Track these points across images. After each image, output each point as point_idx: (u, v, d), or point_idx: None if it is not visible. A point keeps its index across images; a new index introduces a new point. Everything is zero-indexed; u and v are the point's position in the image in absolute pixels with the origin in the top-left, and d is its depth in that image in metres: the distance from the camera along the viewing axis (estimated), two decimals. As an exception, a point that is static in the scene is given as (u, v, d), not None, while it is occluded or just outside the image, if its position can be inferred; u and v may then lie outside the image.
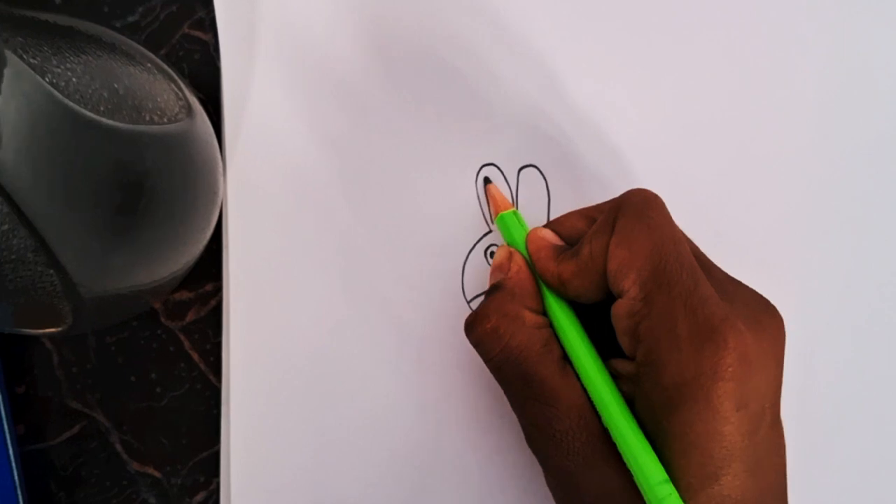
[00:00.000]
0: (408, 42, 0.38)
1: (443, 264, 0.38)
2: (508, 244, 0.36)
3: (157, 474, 0.38)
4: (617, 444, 0.30)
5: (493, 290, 0.34)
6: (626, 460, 0.29)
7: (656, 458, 0.29)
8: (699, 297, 0.29)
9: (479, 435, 0.38)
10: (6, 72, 0.21)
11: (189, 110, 0.32)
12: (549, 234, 0.34)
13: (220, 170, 0.35)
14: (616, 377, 0.32)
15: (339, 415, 0.38)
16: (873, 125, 0.40)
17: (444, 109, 0.38)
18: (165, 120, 0.30)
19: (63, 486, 0.38)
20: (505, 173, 0.38)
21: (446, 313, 0.38)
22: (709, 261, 0.33)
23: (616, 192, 0.38)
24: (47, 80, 0.25)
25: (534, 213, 0.38)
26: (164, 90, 0.31)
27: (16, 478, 0.37)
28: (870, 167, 0.40)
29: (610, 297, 0.32)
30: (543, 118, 0.39)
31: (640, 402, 0.30)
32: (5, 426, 0.37)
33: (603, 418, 0.31)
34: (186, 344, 0.39)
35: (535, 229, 0.35)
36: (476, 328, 0.33)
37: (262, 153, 0.38)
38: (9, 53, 0.22)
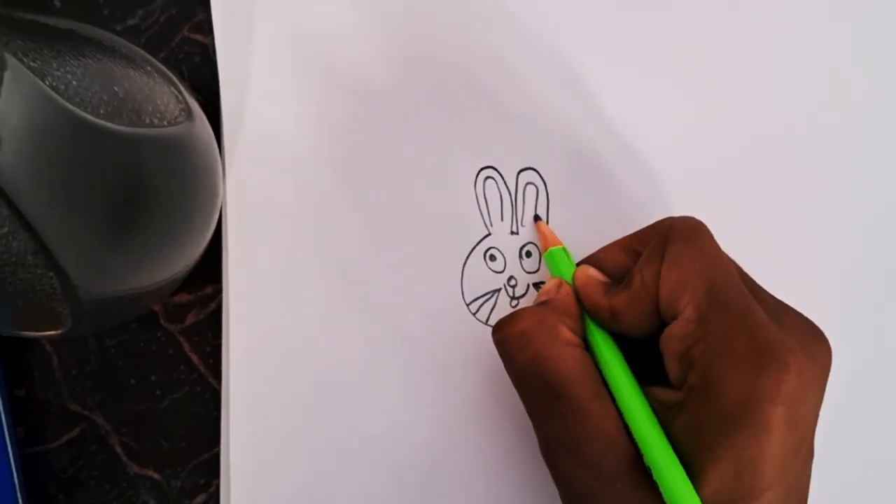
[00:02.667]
0: (407, 45, 0.38)
1: (442, 267, 0.38)
2: (554, 275, 0.36)
3: (156, 476, 0.39)
4: (652, 467, 0.29)
5: (536, 305, 0.34)
6: (661, 484, 0.29)
7: (692, 487, 0.29)
8: (754, 319, 0.29)
9: (478, 434, 0.38)
10: (6, 75, 0.21)
11: (189, 113, 0.32)
12: (595, 272, 0.35)
13: (220, 172, 0.35)
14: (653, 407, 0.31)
15: (339, 417, 0.38)
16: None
17: (443, 112, 0.38)
18: (165, 123, 0.30)
19: (63, 489, 0.38)
20: (504, 176, 0.38)
21: (445, 316, 0.38)
22: (757, 285, 0.32)
23: (615, 193, 0.38)
24: (47, 83, 0.25)
25: (533, 217, 0.38)
26: (163, 93, 0.31)
27: (16, 480, 0.37)
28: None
29: (654, 333, 0.32)
30: (543, 121, 0.39)
31: (683, 429, 0.30)
32: (5, 429, 0.37)
33: (639, 443, 0.30)
34: (186, 346, 0.39)
35: (582, 267, 0.35)
36: (505, 327, 0.33)
37: (261, 155, 0.38)
38: (9, 57, 0.22)
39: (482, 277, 0.38)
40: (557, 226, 0.38)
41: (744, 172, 0.40)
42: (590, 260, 0.36)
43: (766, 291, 0.32)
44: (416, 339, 0.38)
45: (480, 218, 0.38)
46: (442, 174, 0.38)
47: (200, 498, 0.39)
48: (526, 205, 0.38)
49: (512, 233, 0.38)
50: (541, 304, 0.34)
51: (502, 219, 0.38)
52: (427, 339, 0.38)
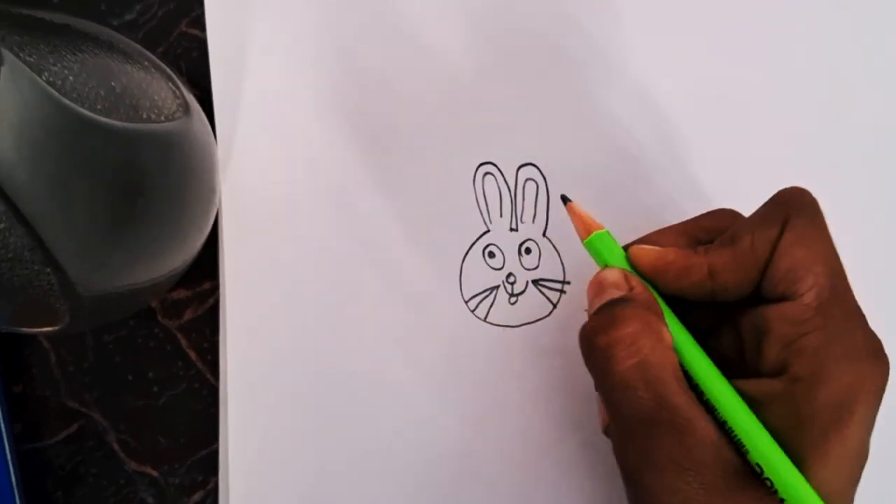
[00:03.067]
0: (404, 41, 0.38)
1: (440, 263, 0.38)
2: (600, 264, 0.33)
3: (154, 473, 0.38)
4: (764, 465, 0.29)
5: (620, 303, 0.30)
6: (777, 482, 0.28)
7: (807, 482, 0.28)
8: (863, 315, 0.29)
9: (474, 430, 0.38)
10: (2, 70, 0.21)
11: (186, 108, 0.32)
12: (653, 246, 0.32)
13: (218, 167, 0.35)
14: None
15: (337, 413, 0.38)
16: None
17: (442, 107, 0.38)
18: (163, 118, 0.30)
19: (60, 485, 0.38)
20: (503, 171, 0.38)
21: (443, 312, 0.38)
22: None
23: (616, 189, 0.38)
24: (44, 78, 0.25)
25: (533, 211, 0.38)
26: (161, 88, 0.31)
27: (13, 477, 0.37)
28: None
29: (745, 297, 0.31)
30: (542, 116, 0.39)
31: (782, 421, 0.29)
32: (2, 425, 0.37)
33: (745, 442, 0.29)
34: (184, 342, 0.39)
35: (637, 246, 0.32)
36: (609, 331, 0.30)
37: (257, 150, 0.38)
38: (5, 52, 0.22)
39: (481, 274, 0.38)
40: (558, 223, 0.38)
41: (746, 170, 0.40)
42: (641, 243, 0.33)
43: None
44: (415, 336, 0.38)
45: (479, 214, 0.38)
46: (440, 170, 0.38)
47: (198, 495, 0.39)
48: (525, 201, 0.38)
49: (511, 229, 0.38)
50: (630, 303, 0.30)
51: (501, 215, 0.38)
52: (425, 335, 0.38)
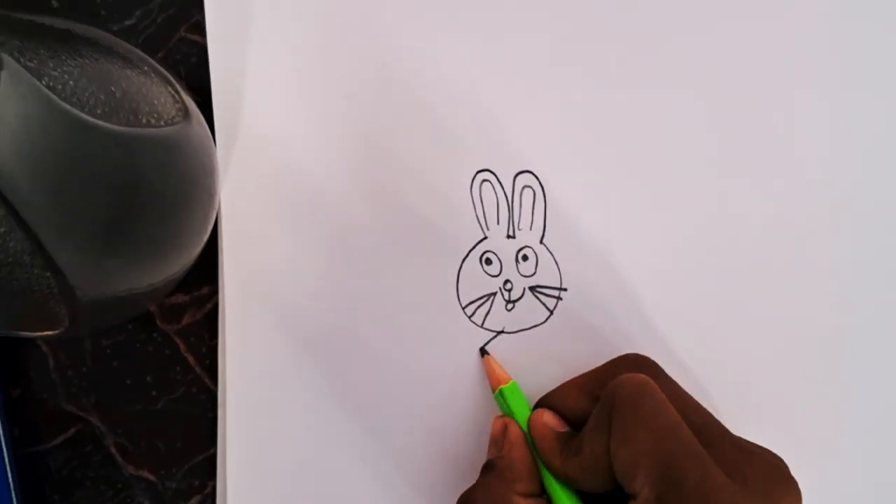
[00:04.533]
0: (404, 45, 0.38)
1: (438, 270, 0.38)
2: (506, 414, 0.36)
3: (152, 478, 0.38)
4: None
5: (486, 470, 0.34)
6: None
7: None
8: (711, 485, 0.29)
9: (472, 438, 0.38)
10: (2, 75, 0.21)
11: (186, 113, 0.32)
12: (551, 419, 0.35)
13: (217, 172, 0.35)
14: None
15: (335, 418, 0.38)
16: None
17: (440, 114, 0.38)
18: (162, 123, 0.30)
19: (58, 490, 0.38)
20: (500, 179, 0.38)
21: (441, 319, 0.38)
22: (717, 430, 0.32)
23: (613, 197, 0.38)
24: (44, 83, 0.25)
25: (530, 218, 0.38)
26: (160, 93, 0.31)
27: (11, 481, 0.37)
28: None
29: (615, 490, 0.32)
30: (540, 124, 0.39)
31: None
32: (0, 429, 0.37)
33: None
34: (182, 347, 0.39)
35: (538, 413, 0.35)
36: None
37: (256, 156, 0.38)
38: (6, 57, 0.22)
39: (478, 281, 0.38)
40: (555, 230, 0.38)
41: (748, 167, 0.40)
42: (547, 401, 0.36)
43: (728, 438, 0.32)
44: (412, 342, 0.38)
45: (476, 221, 0.38)
46: (438, 177, 0.38)
47: (196, 499, 0.39)
48: (523, 208, 0.38)
49: (508, 236, 0.38)
50: (490, 474, 0.34)
51: (498, 222, 0.38)
52: (423, 341, 0.38)
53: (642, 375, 0.32)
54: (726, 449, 0.31)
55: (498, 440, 0.35)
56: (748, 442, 0.32)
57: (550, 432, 0.34)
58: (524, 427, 0.35)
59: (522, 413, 0.36)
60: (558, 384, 0.37)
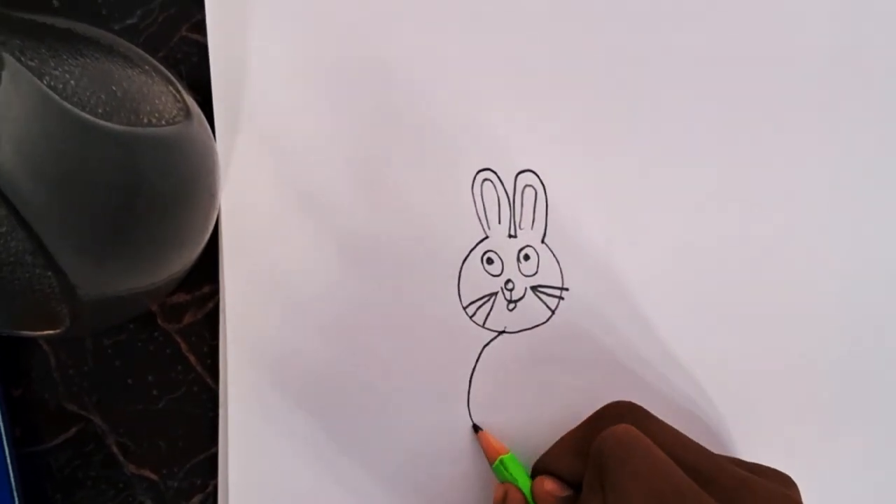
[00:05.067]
0: (404, 45, 0.38)
1: (439, 270, 0.38)
2: (504, 481, 0.37)
3: (153, 477, 0.38)
4: None
5: None
6: None
7: None
8: None
9: (471, 436, 0.38)
10: (4, 74, 0.21)
11: (187, 113, 0.32)
12: (552, 486, 0.35)
13: (218, 172, 0.35)
14: None
15: (336, 417, 0.38)
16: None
17: (441, 113, 0.38)
18: (163, 122, 0.30)
19: (59, 489, 0.38)
20: (502, 178, 0.38)
21: (442, 318, 0.38)
22: (713, 465, 0.32)
23: (615, 195, 0.38)
24: (45, 82, 0.25)
25: (532, 217, 0.38)
26: (162, 93, 0.31)
27: (12, 480, 0.37)
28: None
29: None
30: (541, 123, 0.39)
31: None
32: (2, 429, 0.37)
33: None
34: (183, 346, 0.39)
35: (539, 481, 0.36)
36: None
37: (257, 155, 0.38)
38: (7, 56, 0.22)
39: (479, 280, 0.38)
40: (556, 230, 0.38)
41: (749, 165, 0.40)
42: (543, 466, 0.36)
43: (725, 472, 0.32)
44: (413, 341, 0.38)
45: (478, 221, 0.38)
46: (439, 176, 0.38)
47: (197, 498, 0.39)
48: (524, 208, 0.38)
49: (510, 236, 0.38)
50: None
51: (500, 222, 0.38)
52: (424, 341, 0.38)
53: (624, 426, 0.32)
54: (725, 483, 0.31)
55: None
56: (752, 465, 0.32)
57: (552, 500, 0.35)
58: (526, 492, 0.36)
59: (523, 481, 0.36)
60: (561, 382, 0.37)
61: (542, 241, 0.38)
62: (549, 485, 0.35)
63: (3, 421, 0.37)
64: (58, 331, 0.29)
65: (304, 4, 0.38)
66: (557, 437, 0.36)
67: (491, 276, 0.38)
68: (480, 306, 0.38)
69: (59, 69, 0.26)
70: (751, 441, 0.39)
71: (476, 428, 0.38)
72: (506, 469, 0.37)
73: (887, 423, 0.40)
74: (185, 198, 0.31)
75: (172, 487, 0.38)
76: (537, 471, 0.37)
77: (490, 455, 0.37)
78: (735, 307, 0.39)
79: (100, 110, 0.26)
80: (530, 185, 0.38)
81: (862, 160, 0.40)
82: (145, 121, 0.29)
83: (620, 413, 0.34)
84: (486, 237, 0.38)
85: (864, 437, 0.40)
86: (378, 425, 0.38)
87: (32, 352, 0.38)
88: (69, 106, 0.25)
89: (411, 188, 0.38)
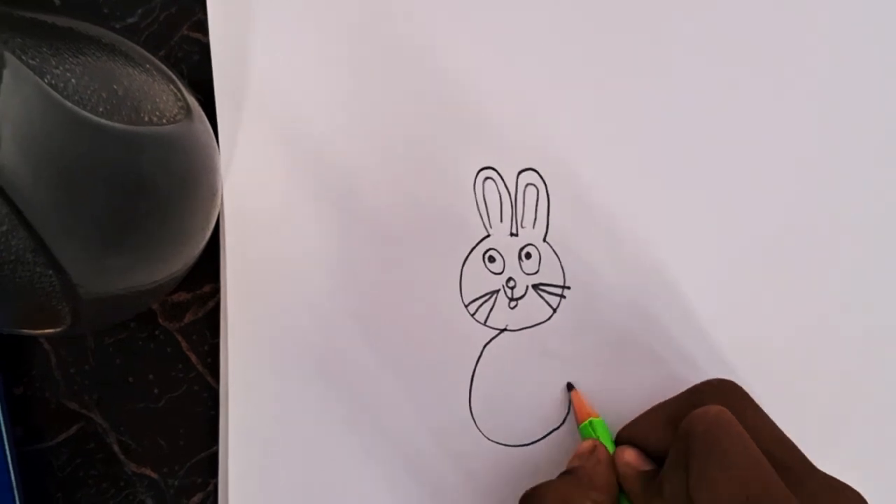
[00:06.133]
0: (406, 43, 0.38)
1: (440, 268, 0.38)
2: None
3: (154, 475, 0.38)
4: None
5: (563, 475, 0.34)
6: None
7: None
8: None
9: (474, 437, 0.38)
10: (5, 73, 0.21)
11: (188, 111, 0.32)
12: (633, 457, 0.34)
13: (219, 170, 0.35)
14: None
15: (336, 416, 0.38)
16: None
17: (443, 111, 0.38)
18: (164, 121, 0.30)
19: (60, 487, 0.38)
20: (504, 176, 0.38)
21: (443, 316, 0.38)
22: (804, 466, 0.31)
23: (618, 194, 0.38)
24: (46, 81, 0.25)
25: (533, 216, 0.38)
26: (163, 91, 0.31)
27: (13, 479, 0.37)
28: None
29: None
30: (543, 120, 0.39)
31: None
32: (3, 427, 0.37)
33: None
34: (184, 345, 0.39)
35: (620, 450, 0.34)
36: (531, 502, 0.33)
37: (259, 153, 0.38)
38: (8, 54, 0.22)
39: (481, 278, 0.38)
40: (558, 228, 0.38)
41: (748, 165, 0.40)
42: (629, 434, 0.35)
43: (815, 476, 0.31)
44: (414, 339, 0.38)
45: (480, 219, 0.38)
46: (441, 174, 0.38)
47: (198, 497, 0.39)
48: (526, 206, 0.38)
49: (511, 234, 0.38)
50: (567, 476, 0.33)
51: (502, 220, 0.38)
52: (425, 339, 0.38)
53: (718, 408, 0.31)
54: (814, 489, 0.30)
55: (583, 455, 0.35)
56: (832, 478, 0.31)
57: (633, 472, 0.34)
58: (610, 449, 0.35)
59: (609, 448, 0.35)
60: (563, 380, 0.37)
61: (544, 240, 0.38)
62: (629, 455, 0.34)
63: (4, 419, 0.37)
64: (59, 329, 0.29)
65: (305, 3, 0.38)
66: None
67: (492, 275, 0.38)
68: (482, 304, 0.38)
69: (61, 68, 0.26)
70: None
71: (570, 386, 0.38)
72: (594, 431, 0.36)
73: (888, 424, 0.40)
74: (187, 196, 0.31)
75: (173, 486, 0.39)
76: (621, 440, 0.35)
77: (581, 416, 0.37)
78: (740, 304, 0.39)
79: (101, 109, 0.26)
80: (532, 184, 0.38)
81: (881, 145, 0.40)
82: (146, 119, 0.29)
83: (722, 392, 0.33)
84: (488, 235, 0.38)
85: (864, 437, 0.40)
86: (379, 423, 0.38)
87: (33, 350, 0.38)
88: (70, 104, 0.25)
89: (413, 187, 0.38)
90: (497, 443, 0.38)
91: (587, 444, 0.35)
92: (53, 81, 0.25)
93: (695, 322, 0.39)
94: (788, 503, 0.28)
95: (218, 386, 0.38)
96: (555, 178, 0.38)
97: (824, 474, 0.31)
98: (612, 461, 0.34)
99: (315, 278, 0.38)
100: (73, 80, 0.26)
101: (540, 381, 0.38)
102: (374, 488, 0.38)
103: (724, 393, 0.33)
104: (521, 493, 0.35)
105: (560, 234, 0.38)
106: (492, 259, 0.38)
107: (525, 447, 0.38)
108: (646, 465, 0.34)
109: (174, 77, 0.33)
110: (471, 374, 0.38)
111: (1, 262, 0.25)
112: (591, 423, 0.36)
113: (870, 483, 0.31)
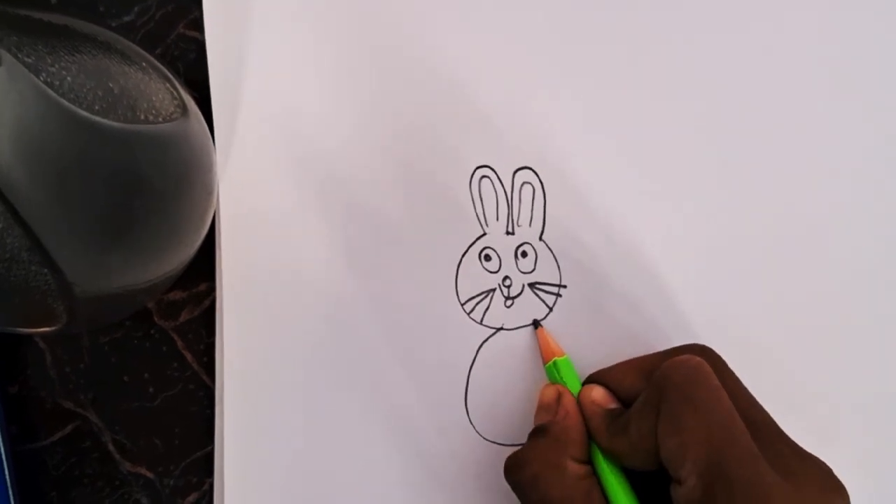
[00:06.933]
0: (403, 42, 0.38)
1: (436, 266, 0.38)
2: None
3: (149, 475, 0.38)
4: None
5: (537, 434, 0.34)
6: None
7: None
8: (761, 484, 0.28)
9: (471, 435, 0.38)
10: (0, 70, 0.21)
11: (184, 110, 0.32)
12: (601, 396, 0.34)
13: (215, 169, 0.35)
14: None
15: (333, 415, 0.38)
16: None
17: (439, 110, 0.38)
18: (160, 119, 0.30)
19: (55, 486, 0.38)
20: (500, 175, 0.38)
21: (439, 315, 0.38)
22: (773, 429, 0.31)
23: (614, 192, 0.38)
24: (42, 79, 0.25)
25: (530, 214, 0.38)
26: (159, 89, 0.31)
27: (8, 478, 0.37)
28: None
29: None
30: (540, 119, 0.39)
31: None
32: (-2, 426, 0.37)
33: None
34: (180, 344, 0.39)
35: (587, 388, 0.35)
36: (515, 473, 0.33)
37: (255, 152, 0.38)
38: (3, 52, 0.22)
39: (477, 277, 0.38)
40: (554, 227, 0.38)
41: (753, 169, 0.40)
42: (600, 377, 0.35)
43: (782, 438, 0.31)
44: (410, 339, 0.38)
45: (476, 218, 0.38)
46: (437, 173, 0.38)
47: (193, 496, 0.39)
48: (522, 205, 0.38)
49: (507, 233, 0.38)
50: (543, 437, 0.34)
51: (498, 219, 0.38)
52: (421, 338, 0.38)
53: (697, 359, 0.31)
54: (781, 450, 0.30)
55: (550, 407, 0.35)
56: (802, 448, 0.31)
57: (599, 409, 0.34)
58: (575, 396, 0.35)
59: (574, 387, 0.35)
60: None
61: (540, 239, 0.38)
62: (597, 394, 0.34)
63: (0, 418, 0.37)
64: (54, 328, 0.29)
65: (301, 1, 0.38)
66: None
67: (489, 273, 0.38)
68: (478, 303, 0.38)
69: (56, 66, 0.26)
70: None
71: (536, 323, 0.38)
72: (558, 372, 0.36)
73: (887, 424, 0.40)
74: (182, 195, 0.31)
75: (168, 485, 0.38)
76: (592, 381, 0.36)
77: (545, 355, 0.37)
78: (736, 303, 0.39)
79: (96, 107, 0.26)
80: (528, 183, 0.38)
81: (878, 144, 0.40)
82: (142, 117, 0.29)
83: (702, 355, 0.33)
84: (484, 234, 0.38)
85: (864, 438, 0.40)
86: (375, 422, 0.38)
87: (28, 349, 0.38)
88: (66, 102, 0.25)
89: (409, 185, 0.38)
90: (493, 441, 0.38)
91: (550, 393, 0.35)
92: (49, 79, 0.25)
93: (691, 320, 0.39)
94: (753, 457, 0.29)
95: (213, 385, 0.38)
96: (551, 176, 0.38)
97: (795, 443, 0.31)
98: (578, 407, 0.35)
99: (310, 277, 0.38)
100: (68, 78, 0.26)
101: (536, 380, 0.38)
102: (370, 487, 0.38)
103: (704, 356, 0.33)
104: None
105: (556, 232, 0.38)
106: (488, 258, 0.38)
107: (521, 446, 0.38)
108: (611, 404, 0.34)
109: (170, 75, 0.32)
110: (467, 372, 0.38)
111: (-4, 260, 0.25)
112: (555, 363, 0.36)
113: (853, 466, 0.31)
